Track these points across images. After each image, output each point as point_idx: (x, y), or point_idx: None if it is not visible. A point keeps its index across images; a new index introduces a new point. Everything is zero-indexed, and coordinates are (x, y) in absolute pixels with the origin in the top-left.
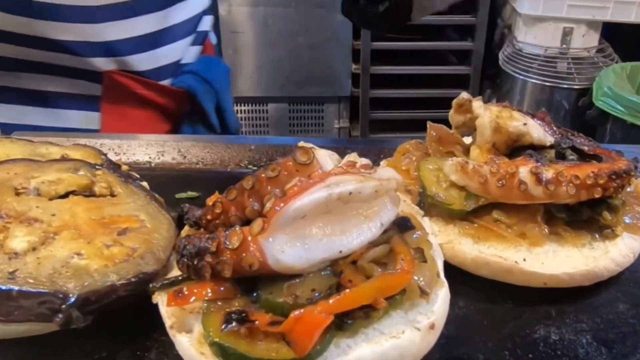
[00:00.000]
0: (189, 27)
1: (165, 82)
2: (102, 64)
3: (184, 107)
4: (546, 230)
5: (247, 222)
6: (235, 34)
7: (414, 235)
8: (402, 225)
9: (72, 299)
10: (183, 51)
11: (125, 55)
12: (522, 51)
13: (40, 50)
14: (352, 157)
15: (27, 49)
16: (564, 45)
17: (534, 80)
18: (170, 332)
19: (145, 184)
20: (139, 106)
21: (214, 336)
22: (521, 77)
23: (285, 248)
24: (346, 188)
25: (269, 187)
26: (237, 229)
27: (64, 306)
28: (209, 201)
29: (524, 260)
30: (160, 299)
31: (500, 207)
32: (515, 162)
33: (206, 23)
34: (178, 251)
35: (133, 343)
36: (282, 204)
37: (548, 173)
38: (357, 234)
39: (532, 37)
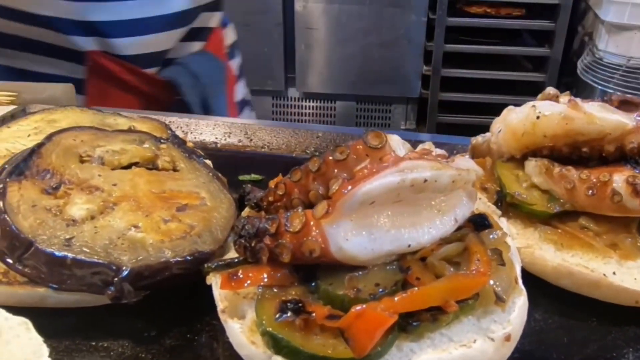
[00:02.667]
0: (184, 19)
1: (151, 71)
2: (84, 43)
3: (169, 97)
4: None
5: (309, 206)
6: (309, 30)
7: (492, 235)
8: (479, 222)
9: (125, 272)
10: (173, 42)
11: (109, 38)
12: (603, 60)
13: (24, 24)
14: (427, 145)
15: (10, 22)
16: None
17: (614, 91)
18: (222, 317)
19: (209, 162)
20: (124, 91)
21: (267, 325)
22: (600, 87)
23: (350, 236)
24: (421, 175)
25: (335, 171)
26: (300, 210)
27: (116, 279)
28: (272, 183)
29: (614, 273)
30: (215, 281)
31: (589, 213)
32: (608, 168)
33: (214, 19)
34: (236, 232)
35: (184, 325)
36: (350, 187)
37: None
38: (428, 228)
39: (614, 46)
